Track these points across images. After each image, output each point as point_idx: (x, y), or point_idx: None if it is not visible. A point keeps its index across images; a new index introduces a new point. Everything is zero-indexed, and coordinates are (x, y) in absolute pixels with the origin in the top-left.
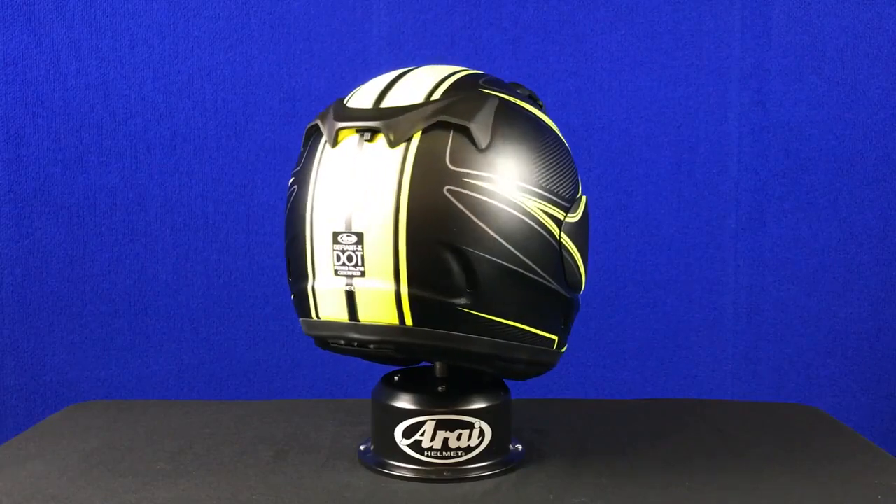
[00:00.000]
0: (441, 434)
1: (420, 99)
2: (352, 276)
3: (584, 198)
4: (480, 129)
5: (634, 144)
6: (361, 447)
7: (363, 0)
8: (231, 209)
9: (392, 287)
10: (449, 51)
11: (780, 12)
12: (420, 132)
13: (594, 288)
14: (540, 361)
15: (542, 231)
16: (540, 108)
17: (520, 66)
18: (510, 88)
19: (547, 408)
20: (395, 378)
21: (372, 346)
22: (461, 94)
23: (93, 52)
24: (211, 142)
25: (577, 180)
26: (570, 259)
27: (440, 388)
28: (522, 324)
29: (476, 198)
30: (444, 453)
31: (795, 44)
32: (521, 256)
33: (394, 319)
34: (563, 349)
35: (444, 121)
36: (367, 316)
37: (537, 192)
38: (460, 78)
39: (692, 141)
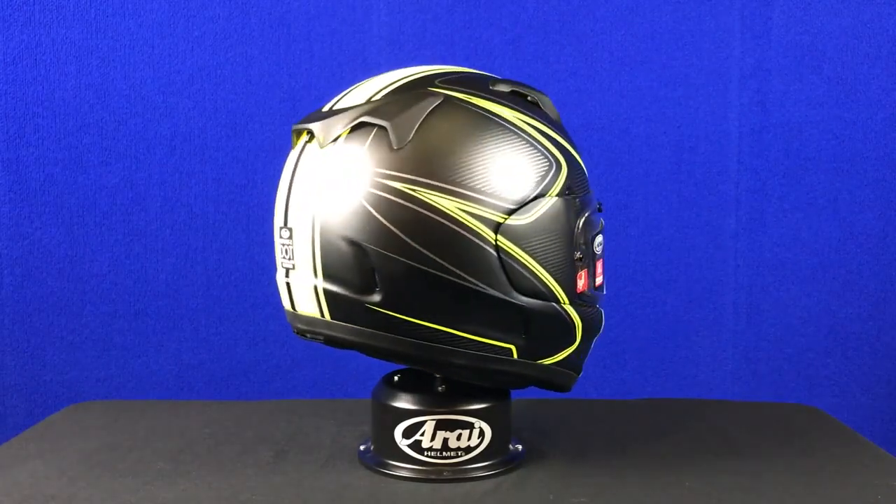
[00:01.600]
0: (441, 434)
1: (363, 101)
2: (288, 269)
3: (551, 200)
4: (399, 128)
5: (634, 144)
6: (361, 447)
7: (363, 0)
8: (231, 209)
9: (312, 281)
10: (449, 51)
11: (780, 12)
12: (346, 133)
13: None
14: (487, 369)
15: (463, 232)
16: (532, 105)
17: (520, 66)
18: (480, 86)
19: (547, 408)
20: (395, 378)
21: (308, 336)
22: (400, 95)
23: (93, 52)
24: (211, 142)
25: (539, 181)
26: (515, 264)
27: (440, 388)
28: (450, 328)
29: (384, 197)
30: (444, 453)
31: (795, 44)
32: (433, 257)
33: (317, 312)
34: (549, 362)
35: (366, 121)
36: (300, 307)
37: (459, 192)
38: (417, 78)
39: (692, 141)
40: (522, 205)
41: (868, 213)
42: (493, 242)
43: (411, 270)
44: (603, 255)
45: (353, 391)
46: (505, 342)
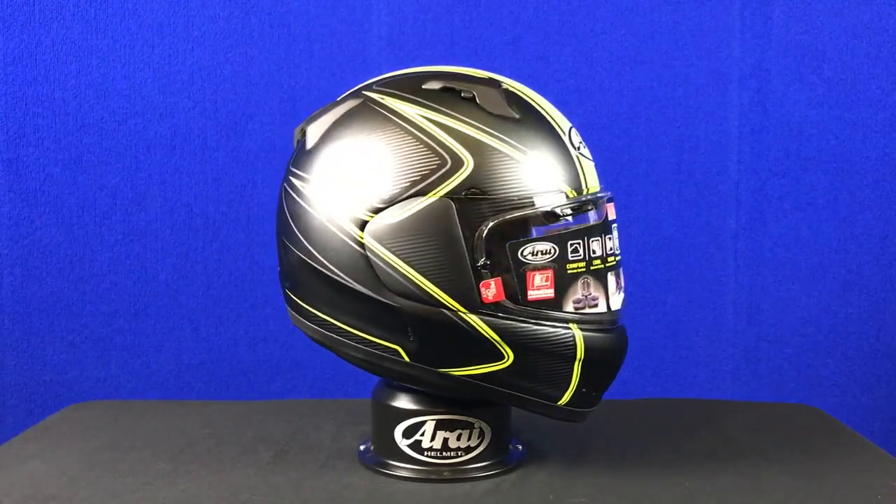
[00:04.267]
0: (441, 434)
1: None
2: None
3: (430, 199)
4: (312, 132)
5: (634, 144)
6: (361, 447)
7: (363, 0)
8: (231, 209)
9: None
10: (449, 51)
11: (780, 12)
12: (301, 136)
13: None
14: (383, 367)
15: (333, 229)
16: (467, 101)
17: (520, 66)
18: (404, 86)
19: None
20: None
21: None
22: (340, 100)
23: (93, 52)
24: (211, 142)
25: (419, 180)
26: (381, 263)
27: None
28: (336, 320)
29: (291, 194)
30: (444, 453)
31: (795, 44)
32: (314, 252)
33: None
34: (460, 373)
35: (303, 126)
36: None
37: (336, 190)
38: (364, 84)
39: (692, 141)
40: (392, 202)
41: (868, 213)
42: (359, 240)
43: (301, 262)
44: (558, 267)
45: (353, 391)
46: (389, 342)
